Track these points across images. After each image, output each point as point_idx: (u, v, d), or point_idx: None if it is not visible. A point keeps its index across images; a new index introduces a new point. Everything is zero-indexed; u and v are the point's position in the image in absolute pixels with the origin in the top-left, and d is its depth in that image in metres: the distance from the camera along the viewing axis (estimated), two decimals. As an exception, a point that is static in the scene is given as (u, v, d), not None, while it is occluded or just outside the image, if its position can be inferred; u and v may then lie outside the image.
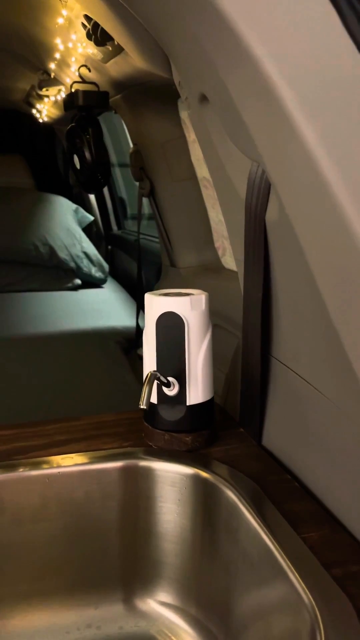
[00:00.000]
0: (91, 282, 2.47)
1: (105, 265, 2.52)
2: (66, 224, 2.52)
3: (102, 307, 2.10)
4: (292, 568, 0.50)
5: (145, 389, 0.59)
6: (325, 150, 0.42)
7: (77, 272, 2.42)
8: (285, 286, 0.59)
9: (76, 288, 2.42)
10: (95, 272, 2.46)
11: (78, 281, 2.43)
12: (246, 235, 0.60)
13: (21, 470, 0.65)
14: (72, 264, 2.39)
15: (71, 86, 1.34)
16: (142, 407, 0.58)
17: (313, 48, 0.43)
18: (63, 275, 2.41)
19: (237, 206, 0.64)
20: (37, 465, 0.66)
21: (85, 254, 2.45)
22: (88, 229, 2.81)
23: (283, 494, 0.61)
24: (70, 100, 1.31)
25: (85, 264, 2.43)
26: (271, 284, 0.62)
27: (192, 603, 0.66)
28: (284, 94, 0.43)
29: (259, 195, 0.56)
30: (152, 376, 0.62)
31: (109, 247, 2.90)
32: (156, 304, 0.68)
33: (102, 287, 2.49)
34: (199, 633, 0.64)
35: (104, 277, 2.50)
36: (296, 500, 0.60)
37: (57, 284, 2.38)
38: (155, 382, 0.66)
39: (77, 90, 1.28)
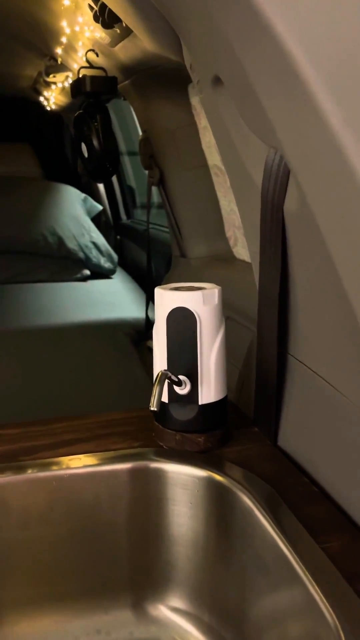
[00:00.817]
0: (100, 273, 2.44)
1: (115, 256, 2.49)
2: (74, 213, 2.49)
3: (111, 299, 2.07)
4: (313, 581, 0.47)
5: (155, 390, 0.56)
6: (351, 134, 0.39)
7: (86, 262, 2.39)
8: (305, 282, 0.56)
9: (85, 279, 2.39)
10: (104, 263, 2.43)
11: (87, 272, 2.41)
12: (262, 226, 0.57)
13: (28, 472, 0.62)
14: (81, 254, 2.36)
15: (78, 72, 1.30)
16: (152, 409, 0.56)
17: (338, 23, 0.39)
18: (71, 265, 2.38)
19: (253, 196, 0.61)
20: (44, 467, 0.63)
21: (94, 244, 2.42)
22: (97, 219, 2.77)
23: (300, 498, 0.58)
24: (77, 86, 1.27)
25: (94, 254, 2.40)
26: (289, 279, 0.59)
27: (204, 609, 0.64)
28: (306, 73, 0.40)
29: (277, 184, 0.52)
30: (163, 376, 0.59)
31: (118, 237, 2.87)
32: (167, 299, 0.65)
33: (111, 278, 2.46)
34: (211, 638, 0.62)
35: (113, 267, 2.47)
36: (314, 505, 0.57)
37: (66, 274, 2.36)
38: (166, 381, 0.63)
39: (84, 76, 1.24)
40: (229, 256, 1.42)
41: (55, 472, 0.63)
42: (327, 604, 0.45)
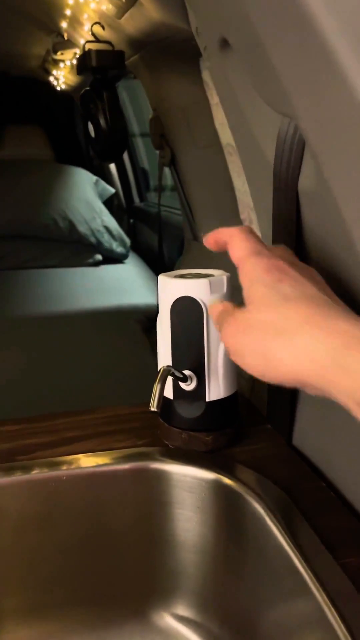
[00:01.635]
0: (112, 258, 2.40)
1: (127, 240, 2.44)
2: (86, 196, 2.44)
3: (124, 284, 2.03)
4: (328, 601, 0.42)
5: (156, 388, 0.51)
6: (377, 96, 0.33)
7: (98, 247, 2.34)
8: (322, 268, 0.50)
9: (97, 264, 2.35)
10: (117, 247, 2.38)
11: (99, 257, 2.36)
12: (275, 207, 0.51)
13: (24, 473, 0.58)
14: (93, 239, 2.31)
15: (84, 46, 1.24)
16: (152, 409, 0.51)
17: None
18: (83, 250, 2.34)
19: (265, 174, 0.55)
20: (41, 468, 0.59)
21: (106, 228, 2.37)
22: (109, 202, 2.72)
23: (317, 506, 0.53)
24: (83, 62, 1.21)
25: (106, 239, 2.35)
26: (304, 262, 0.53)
27: (213, 619, 0.60)
28: (324, 24, 0.34)
29: (291, 159, 0.47)
30: (165, 372, 0.54)
31: (131, 220, 2.81)
32: (170, 287, 0.60)
33: (123, 263, 2.41)
34: (221, 653, 0.58)
35: (126, 252, 2.42)
36: (332, 513, 0.52)
37: (77, 259, 2.32)
38: (170, 377, 0.58)
39: (89, 50, 1.18)
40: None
41: (53, 473, 0.59)
42: (342, 626, 0.40)
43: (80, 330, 1.60)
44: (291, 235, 0.51)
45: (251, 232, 0.41)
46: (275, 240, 0.54)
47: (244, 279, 0.39)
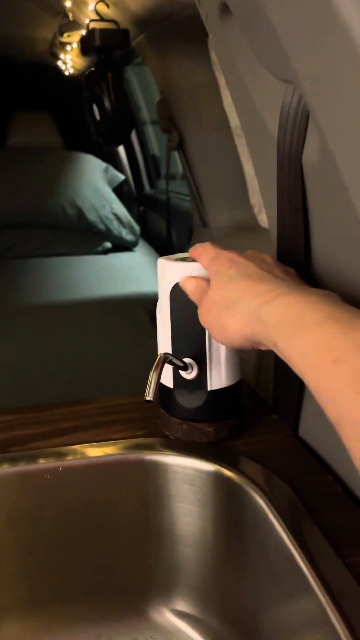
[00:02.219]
0: (122, 246, 2.37)
1: (137, 227, 2.41)
2: (95, 184, 2.41)
3: (132, 272, 2.00)
4: (331, 602, 0.40)
5: (152, 376, 0.49)
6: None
7: (107, 234, 2.31)
8: (329, 246, 0.47)
9: (106, 252, 2.32)
10: (126, 235, 2.35)
11: (108, 244, 2.33)
12: (279, 182, 0.48)
13: (18, 464, 0.56)
14: (102, 227, 2.28)
15: (88, 26, 1.20)
16: (147, 399, 0.48)
17: None
18: (92, 238, 2.31)
19: (269, 148, 0.52)
20: (35, 459, 0.57)
21: (116, 215, 2.34)
22: (119, 189, 2.68)
23: (323, 501, 0.51)
24: (87, 41, 1.17)
25: (115, 226, 2.32)
26: (311, 243, 0.50)
27: (213, 615, 0.58)
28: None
29: (294, 130, 0.43)
30: (162, 360, 0.52)
31: (141, 208, 2.78)
32: (170, 271, 0.57)
33: (133, 251, 2.39)
34: (222, 651, 0.56)
35: (135, 239, 2.39)
36: (339, 509, 0.50)
37: (86, 247, 2.29)
38: (170, 365, 0.56)
39: (93, 29, 1.14)
40: (253, 225, 1.32)
41: (47, 464, 0.57)
42: (345, 628, 0.38)
43: (87, 318, 1.58)
44: (298, 210, 0.47)
45: (211, 245, 0.52)
46: (281, 217, 0.51)
47: (210, 275, 0.49)
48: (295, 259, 0.51)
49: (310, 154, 0.44)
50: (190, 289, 0.52)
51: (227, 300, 0.44)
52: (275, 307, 0.39)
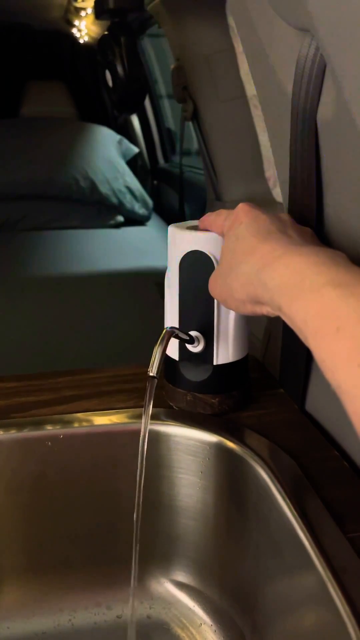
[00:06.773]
0: (134, 219, 2.34)
1: (150, 201, 2.37)
2: (108, 156, 2.37)
3: (144, 246, 1.98)
4: (332, 577, 0.39)
5: (155, 351, 0.47)
6: None
7: (120, 208, 2.28)
8: (342, 210, 0.45)
9: (118, 225, 2.30)
10: (139, 209, 2.32)
11: (120, 218, 2.31)
12: (292, 141, 0.45)
13: (18, 431, 0.56)
14: (114, 200, 2.25)
15: (102, -13, 1.16)
16: (150, 374, 0.47)
17: None
18: (105, 211, 2.28)
19: (283, 108, 0.49)
20: (37, 426, 0.57)
21: (128, 188, 2.30)
22: (133, 163, 2.64)
23: (328, 476, 0.49)
24: (100, 4, 1.13)
25: (128, 200, 2.29)
26: (323, 207, 0.47)
27: (213, 587, 0.57)
28: None
29: (310, 85, 0.41)
30: (167, 334, 0.50)
31: (155, 181, 2.74)
32: (180, 240, 0.55)
33: (145, 225, 2.36)
34: (219, 622, 0.55)
35: (148, 213, 2.36)
36: (344, 484, 0.48)
37: (99, 220, 2.27)
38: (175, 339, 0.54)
39: (106, -10, 1.10)
40: (268, 199, 1.29)
41: (48, 431, 0.56)
42: (345, 604, 0.37)
43: (98, 292, 1.57)
44: (310, 174, 0.45)
45: (220, 213, 0.51)
46: (294, 181, 0.48)
47: (225, 236, 0.48)
48: (307, 223, 0.49)
49: (325, 111, 0.41)
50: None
51: (232, 263, 0.43)
52: (276, 269, 0.36)
